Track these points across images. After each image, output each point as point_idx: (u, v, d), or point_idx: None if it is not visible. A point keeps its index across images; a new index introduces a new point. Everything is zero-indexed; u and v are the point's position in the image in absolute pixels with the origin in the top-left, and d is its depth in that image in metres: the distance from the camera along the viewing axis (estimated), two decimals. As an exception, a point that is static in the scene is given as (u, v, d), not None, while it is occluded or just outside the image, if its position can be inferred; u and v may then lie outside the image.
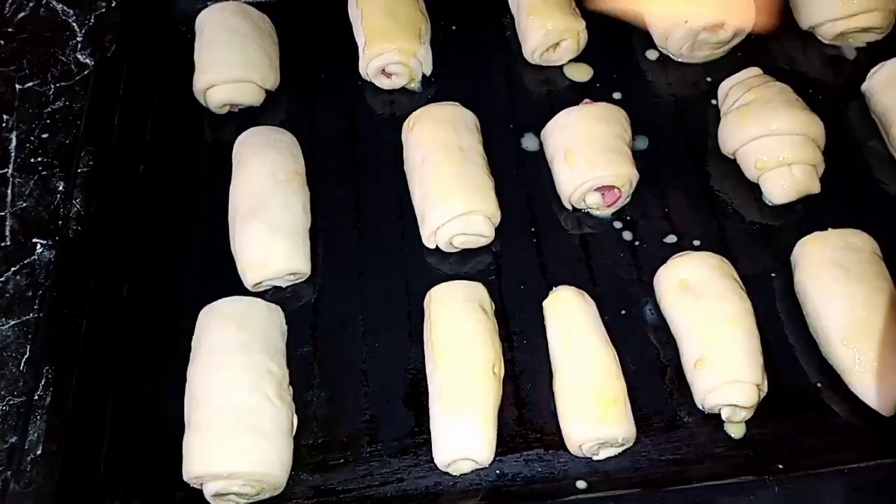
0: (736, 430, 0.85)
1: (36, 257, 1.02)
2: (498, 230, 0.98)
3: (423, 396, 0.86)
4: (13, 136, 1.12)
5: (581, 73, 1.12)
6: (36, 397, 0.82)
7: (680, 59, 1.13)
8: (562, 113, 1.01)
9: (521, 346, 0.91)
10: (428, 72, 1.11)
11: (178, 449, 0.82)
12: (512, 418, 0.86)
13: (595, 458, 0.83)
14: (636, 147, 1.03)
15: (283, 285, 0.96)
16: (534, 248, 0.98)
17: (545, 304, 0.91)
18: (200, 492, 0.81)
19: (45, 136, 1.12)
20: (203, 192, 1.03)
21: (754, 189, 1.01)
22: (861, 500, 0.80)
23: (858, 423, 0.85)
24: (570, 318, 0.88)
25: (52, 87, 1.17)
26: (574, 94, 1.10)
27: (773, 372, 0.86)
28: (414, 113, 1.04)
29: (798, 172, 0.97)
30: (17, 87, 1.17)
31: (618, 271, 0.96)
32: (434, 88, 1.12)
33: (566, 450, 0.83)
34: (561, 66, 1.13)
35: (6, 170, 1.09)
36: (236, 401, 0.81)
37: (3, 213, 1.05)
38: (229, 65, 1.06)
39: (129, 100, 1.06)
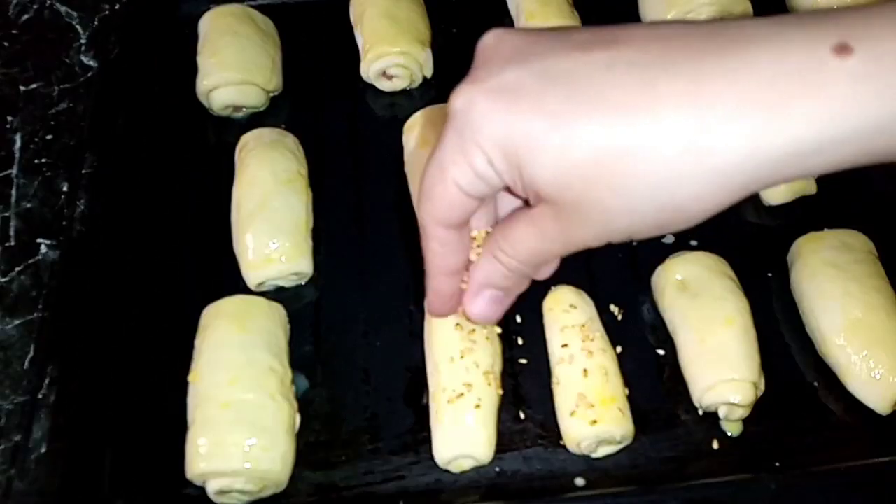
0: (733, 429, 0.86)
1: (40, 257, 1.02)
2: (498, 231, 0.98)
3: (424, 395, 0.87)
4: (17, 137, 1.13)
5: None
6: (40, 396, 0.82)
7: (678, 62, 1.14)
8: (561, 115, 1.02)
9: (521, 346, 0.92)
10: (429, 74, 1.12)
11: (181, 447, 0.82)
12: (511, 416, 0.87)
13: (593, 455, 0.84)
14: (634, 148, 1.04)
15: (286, 285, 0.97)
16: (533, 248, 0.99)
17: (544, 303, 0.92)
18: (204, 489, 0.82)
19: (49, 137, 1.13)
20: (206, 193, 1.04)
21: (751, 190, 1.02)
22: (857, 499, 0.80)
23: (854, 422, 0.86)
24: (569, 316, 0.88)
25: (56, 88, 1.18)
26: (573, 96, 1.11)
27: (769, 371, 0.87)
28: (415, 114, 1.04)
29: (795, 173, 0.98)
30: (21, 88, 1.18)
31: (616, 271, 0.97)
32: (435, 91, 1.13)
33: (565, 448, 0.84)
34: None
35: (10, 171, 1.10)
36: (239, 398, 0.82)
37: (7, 214, 1.06)
38: (232, 67, 1.07)
39: (132, 102, 1.07)
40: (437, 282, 0.66)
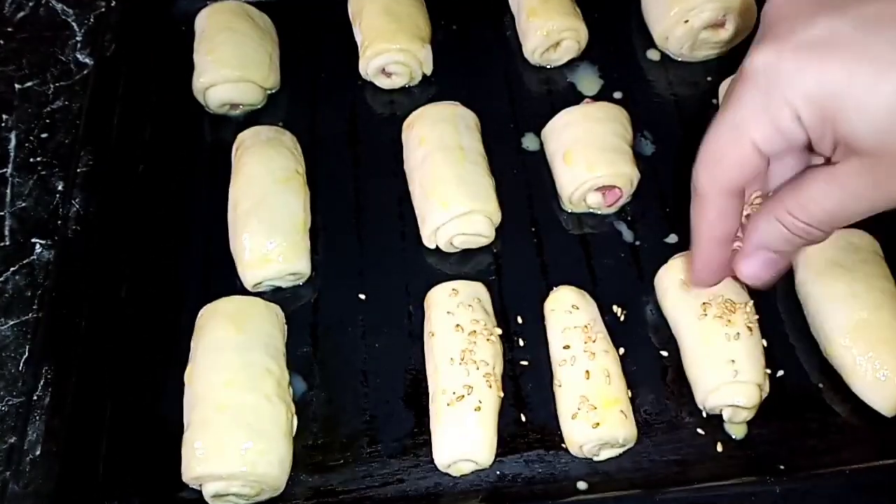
0: (737, 431, 0.85)
1: (35, 257, 1.02)
2: (498, 230, 0.98)
3: (423, 397, 0.86)
4: (12, 135, 1.12)
5: (590, 85, 1.12)
6: (35, 397, 0.82)
7: (680, 59, 1.13)
8: (562, 112, 1.01)
9: (522, 346, 0.91)
10: (428, 72, 1.11)
11: (177, 449, 0.81)
12: (512, 419, 0.86)
13: (596, 458, 0.83)
14: (637, 147, 1.03)
15: (284, 286, 0.96)
16: (534, 248, 0.98)
17: (545, 304, 0.91)
18: (200, 492, 0.81)
19: (44, 135, 1.12)
20: (203, 192, 1.03)
21: (755, 189, 1.01)
22: (862, 501, 0.80)
23: (860, 424, 0.85)
24: (571, 317, 0.87)
25: (52, 86, 1.17)
26: (574, 94, 1.10)
27: (774, 372, 0.86)
28: (414, 112, 1.04)
29: (799, 172, 0.97)
30: (17, 86, 1.17)
31: (618, 271, 0.96)
32: (434, 88, 1.12)
33: (567, 450, 0.83)
34: (562, 66, 1.13)
35: (5, 169, 1.09)
36: (235, 400, 0.81)
37: (2, 213, 1.05)
38: (229, 64, 1.06)
39: (128, 99, 1.06)
40: (708, 251, 0.67)
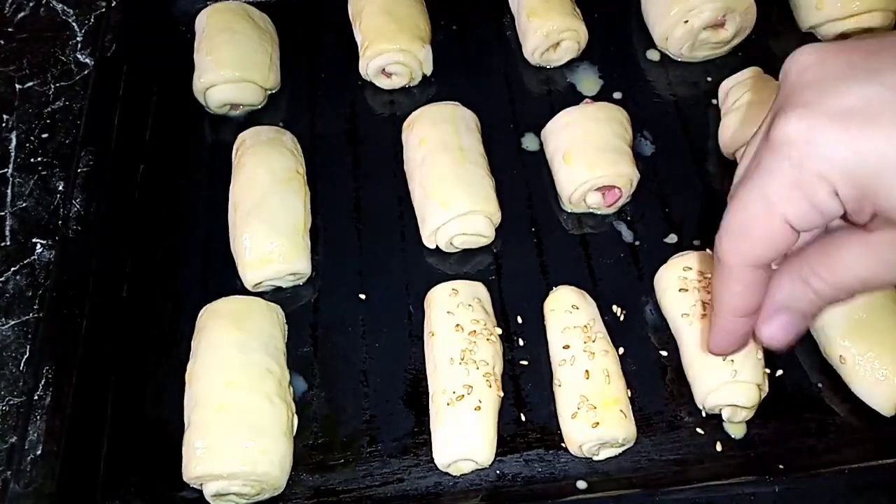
0: (736, 431, 0.85)
1: (36, 257, 1.02)
2: (498, 230, 0.98)
3: (424, 396, 0.86)
4: (13, 135, 1.12)
5: (590, 86, 1.12)
6: (36, 397, 0.82)
7: (680, 59, 1.13)
8: (562, 113, 1.01)
9: (521, 346, 0.91)
10: (428, 72, 1.11)
11: (178, 449, 0.82)
12: (512, 418, 0.86)
13: (595, 458, 0.83)
14: (637, 147, 1.03)
15: (284, 286, 0.96)
16: (534, 248, 0.98)
17: (545, 303, 0.91)
18: (201, 491, 0.81)
19: (44, 135, 1.12)
20: (203, 192, 1.04)
21: (755, 189, 1.01)
22: (861, 501, 0.80)
23: (859, 424, 0.85)
24: (571, 317, 0.87)
25: (52, 86, 1.17)
26: (574, 94, 1.10)
27: (773, 372, 0.86)
28: (414, 112, 1.04)
29: (799, 172, 0.97)
30: (17, 86, 1.17)
31: (618, 271, 0.96)
32: (434, 88, 1.12)
33: (566, 450, 0.83)
34: (562, 67, 1.13)
35: (6, 170, 1.09)
36: (236, 400, 0.81)
37: (2, 213, 1.05)
38: (229, 64, 1.06)
39: (129, 99, 1.06)
40: (729, 322, 0.62)
